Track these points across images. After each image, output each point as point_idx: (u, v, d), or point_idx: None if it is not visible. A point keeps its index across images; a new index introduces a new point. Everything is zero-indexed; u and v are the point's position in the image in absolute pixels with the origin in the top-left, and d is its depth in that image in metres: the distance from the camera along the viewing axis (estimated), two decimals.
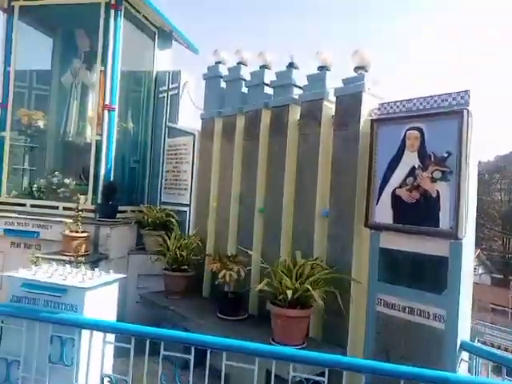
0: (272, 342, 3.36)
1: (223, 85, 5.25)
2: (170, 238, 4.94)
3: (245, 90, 4.92)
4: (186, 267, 4.70)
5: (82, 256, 4.72)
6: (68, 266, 3.36)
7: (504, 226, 34.45)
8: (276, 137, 4.34)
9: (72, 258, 4.47)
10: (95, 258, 4.75)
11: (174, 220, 5.44)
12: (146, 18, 6.02)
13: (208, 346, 2.52)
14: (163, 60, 6.47)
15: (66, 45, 6.68)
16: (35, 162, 6.29)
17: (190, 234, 5.20)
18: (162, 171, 6.09)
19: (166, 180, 6.03)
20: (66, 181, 5.60)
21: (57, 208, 5.45)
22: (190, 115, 6.15)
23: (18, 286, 3.00)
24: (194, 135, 5.54)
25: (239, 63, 5.00)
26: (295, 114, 4.23)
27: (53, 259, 4.53)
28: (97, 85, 5.45)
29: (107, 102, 5.34)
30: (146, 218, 5.43)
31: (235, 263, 4.17)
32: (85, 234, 4.83)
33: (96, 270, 3.26)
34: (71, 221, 4.93)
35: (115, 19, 5.35)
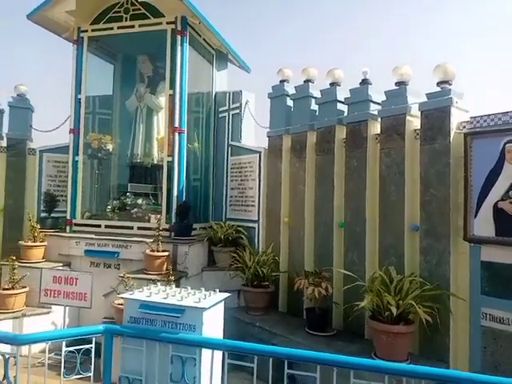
0: (375, 358, 3.38)
1: (289, 102, 5.36)
2: (244, 255, 5.04)
3: (313, 106, 5.02)
4: (267, 283, 4.78)
5: (163, 274, 4.91)
6: (173, 285, 3.47)
7: None
8: (353, 151, 4.40)
9: (158, 276, 4.66)
10: (177, 276, 4.88)
11: (244, 236, 5.56)
12: (206, 41, 6.24)
13: (334, 364, 2.56)
14: (220, 81, 6.66)
15: (126, 70, 6.98)
16: (105, 184, 6.54)
17: (263, 250, 5.28)
18: (226, 188, 6.23)
19: (230, 197, 6.16)
20: (139, 201, 5.80)
21: (131, 228, 5.65)
22: (251, 133, 6.30)
23: (135, 308, 3.12)
24: (260, 153, 5.65)
25: (306, 81, 5.11)
26: (373, 128, 4.29)
27: (139, 278, 4.72)
28: (166, 108, 5.64)
29: (177, 125, 5.53)
30: (218, 234, 5.55)
31: (321, 279, 4.22)
32: (166, 253, 4.98)
33: (202, 289, 3.36)
34: (151, 240, 5.11)
35: (181, 44, 5.56)
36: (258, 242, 5.57)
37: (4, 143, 6.64)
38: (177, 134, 5.54)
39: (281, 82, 5.47)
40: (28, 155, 6.67)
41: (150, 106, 6.27)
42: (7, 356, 2.85)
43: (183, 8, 5.40)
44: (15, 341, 2.75)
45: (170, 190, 5.53)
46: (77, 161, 5.93)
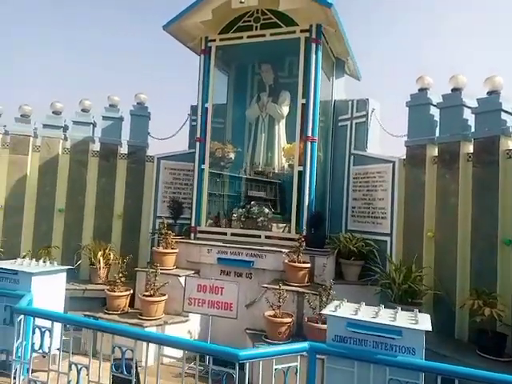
0: None
1: (432, 111, 5.15)
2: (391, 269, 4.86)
3: (465, 115, 4.79)
4: (420, 301, 4.56)
5: (306, 286, 4.81)
6: (362, 303, 3.31)
7: None
8: None
9: (301, 288, 4.56)
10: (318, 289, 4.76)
11: (375, 250, 5.37)
12: (330, 49, 6.14)
13: None
14: (338, 89, 6.54)
15: (240, 80, 7.01)
16: (224, 192, 6.55)
17: (405, 265, 5.04)
18: (347, 199, 6.07)
19: (353, 208, 6.00)
20: (266, 210, 5.75)
21: (259, 237, 5.60)
22: (375, 142, 6.11)
23: (342, 326, 3.00)
24: (394, 162, 5.46)
25: (454, 89, 4.88)
26: None
27: (285, 290, 4.62)
28: (298, 117, 5.56)
29: (309, 134, 5.44)
30: (349, 246, 5.39)
31: (494, 299, 3.96)
32: (308, 265, 4.89)
33: (399, 308, 3.21)
34: (287, 250, 5.05)
35: (316, 53, 5.48)
36: (391, 256, 5.35)
37: (124, 150, 6.84)
38: (309, 144, 5.45)
39: (420, 90, 5.27)
40: (146, 162, 6.83)
41: (273, 115, 6.23)
42: (224, 371, 2.83)
43: (319, 16, 5.34)
44: (236, 357, 2.69)
45: (299, 200, 5.45)
46: (203, 169, 5.96)
